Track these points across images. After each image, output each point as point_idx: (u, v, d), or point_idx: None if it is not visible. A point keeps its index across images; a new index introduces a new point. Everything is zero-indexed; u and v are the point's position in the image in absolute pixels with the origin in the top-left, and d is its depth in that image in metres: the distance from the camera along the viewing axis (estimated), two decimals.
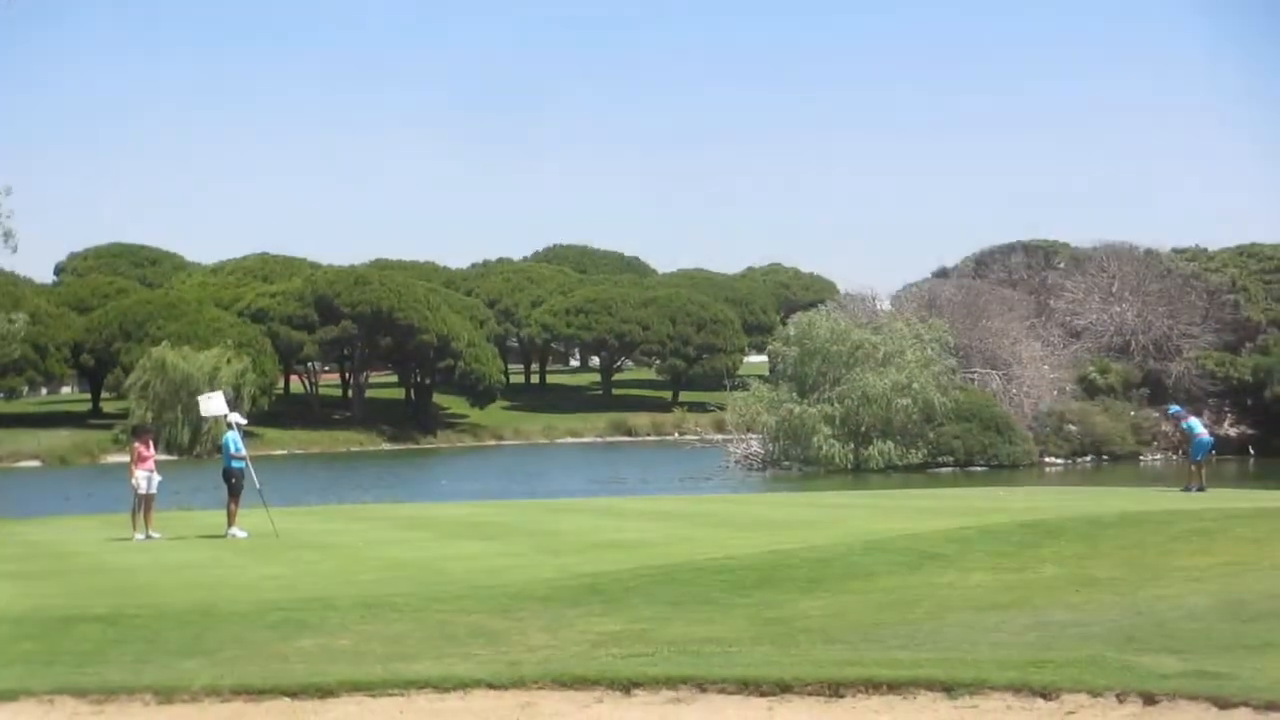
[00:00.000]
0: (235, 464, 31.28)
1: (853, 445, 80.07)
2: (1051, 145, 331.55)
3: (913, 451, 79.94)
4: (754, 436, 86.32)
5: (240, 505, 31.19)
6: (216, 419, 33.17)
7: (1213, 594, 17.90)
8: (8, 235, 48.24)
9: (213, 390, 34.70)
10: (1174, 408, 46.90)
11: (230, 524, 30.52)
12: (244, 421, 33.91)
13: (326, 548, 27.20)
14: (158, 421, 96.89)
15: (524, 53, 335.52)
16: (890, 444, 79.70)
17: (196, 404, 36.53)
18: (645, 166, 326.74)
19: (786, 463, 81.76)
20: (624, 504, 40.17)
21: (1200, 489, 38.01)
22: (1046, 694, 11.73)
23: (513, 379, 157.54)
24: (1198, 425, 41.51)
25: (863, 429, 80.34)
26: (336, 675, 13.70)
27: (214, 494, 41.42)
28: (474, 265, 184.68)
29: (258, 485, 31.49)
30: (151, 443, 32.35)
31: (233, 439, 31.61)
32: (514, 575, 21.19)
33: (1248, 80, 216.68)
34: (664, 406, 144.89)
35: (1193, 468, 39.96)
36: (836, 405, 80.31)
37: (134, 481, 30.85)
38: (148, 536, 30.12)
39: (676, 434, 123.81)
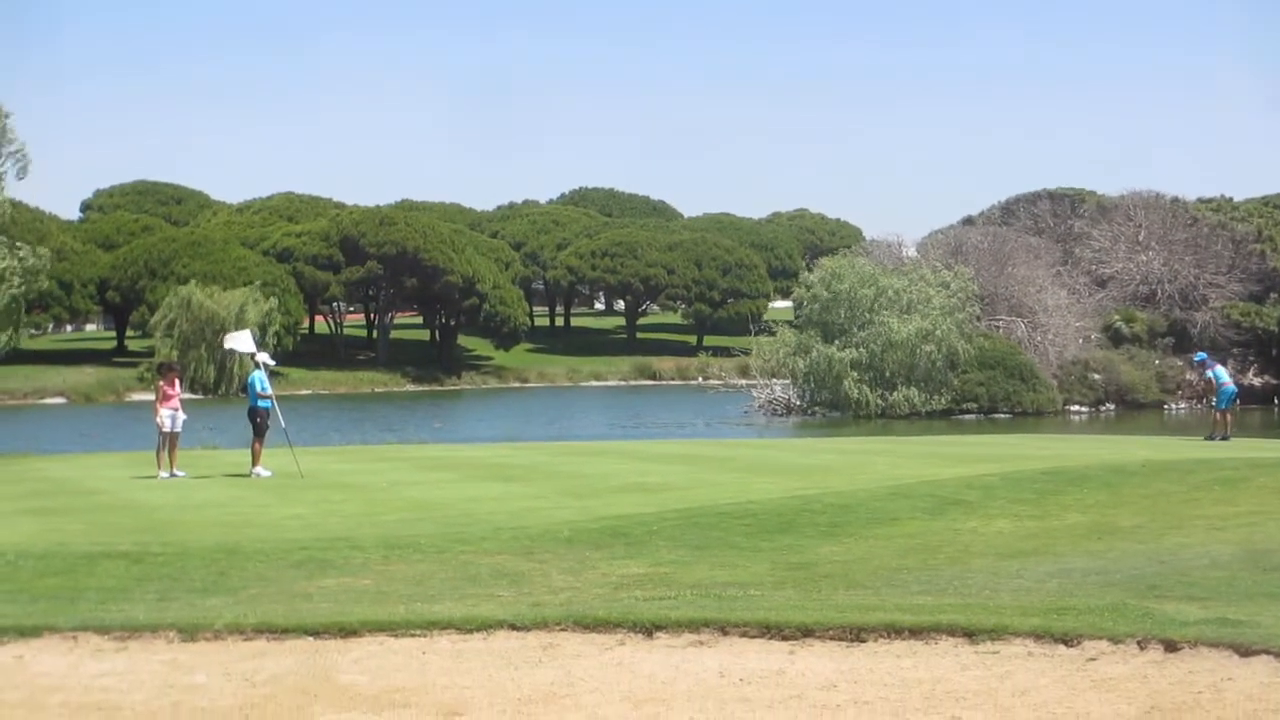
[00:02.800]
0: (261, 403, 31.31)
1: (880, 391, 79.96)
2: (1078, 94, 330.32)
3: (936, 398, 79.85)
4: (778, 382, 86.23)
5: (265, 445, 31.26)
6: (240, 356, 33.12)
7: (1235, 543, 17.89)
8: (22, 170, 48.12)
9: (239, 329, 34.56)
10: (1200, 355, 46.66)
11: (255, 463, 30.60)
12: (273, 363, 33.84)
13: (350, 488, 27.24)
14: (183, 360, 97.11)
15: None
16: (914, 390, 79.59)
17: (222, 340, 36.43)
18: (672, 110, 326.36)
19: (815, 408, 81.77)
20: (647, 447, 40.19)
21: (1225, 438, 37.94)
22: (1068, 640, 11.72)
23: (537, 321, 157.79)
24: (1223, 373, 41.41)
25: (887, 375, 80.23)
26: (359, 615, 13.74)
27: (239, 433, 41.56)
28: (500, 207, 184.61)
29: (283, 425, 31.55)
30: (177, 381, 32.38)
31: (259, 378, 31.63)
32: (537, 517, 21.22)
33: (1275, 29, 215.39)
34: (688, 351, 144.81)
35: (1217, 416, 39.89)
36: (861, 350, 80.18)
37: (159, 419, 30.94)
38: (172, 474, 30.20)
39: (700, 378, 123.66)
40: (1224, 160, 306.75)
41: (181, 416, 31.31)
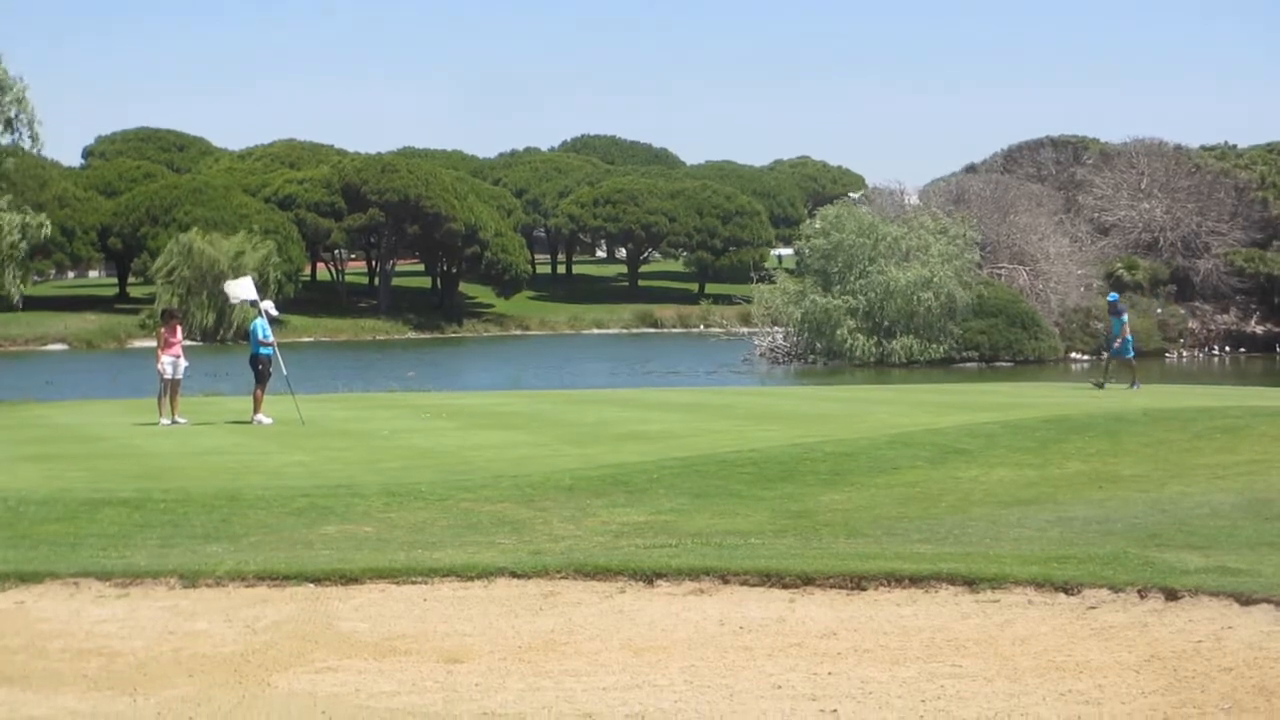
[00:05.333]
0: (263, 350, 31.31)
1: (876, 339, 79.90)
2: (1082, 41, 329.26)
3: (934, 346, 79.78)
4: (779, 330, 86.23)
5: (266, 392, 31.27)
6: (242, 303, 32.91)
7: (1237, 491, 17.90)
8: (35, 137, 48.35)
9: (236, 276, 34.21)
10: (1113, 295, 45.00)
11: (256, 410, 30.62)
12: (276, 312, 33.56)
13: (351, 435, 27.28)
14: (184, 306, 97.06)
15: None
16: (912, 339, 79.53)
17: (223, 289, 36.19)
18: (674, 57, 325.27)
19: (812, 356, 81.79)
20: (648, 395, 40.19)
21: (1101, 386, 37.33)
22: (1068, 589, 11.75)
23: (539, 269, 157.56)
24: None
25: (885, 323, 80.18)
26: (361, 562, 13.78)
27: (240, 380, 41.54)
28: (501, 155, 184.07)
29: (284, 372, 31.54)
30: (179, 328, 32.38)
31: (260, 325, 31.60)
32: (538, 465, 21.22)
33: None
34: (690, 298, 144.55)
35: (1115, 363, 39.20)
36: (859, 298, 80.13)
37: (160, 366, 30.96)
38: (174, 422, 30.23)
39: (702, 326, 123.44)
40: (1228, 107, 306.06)
41: (183, 364, 31.33)
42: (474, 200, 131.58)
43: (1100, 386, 37.12)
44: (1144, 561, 12.42)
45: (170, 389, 30.92)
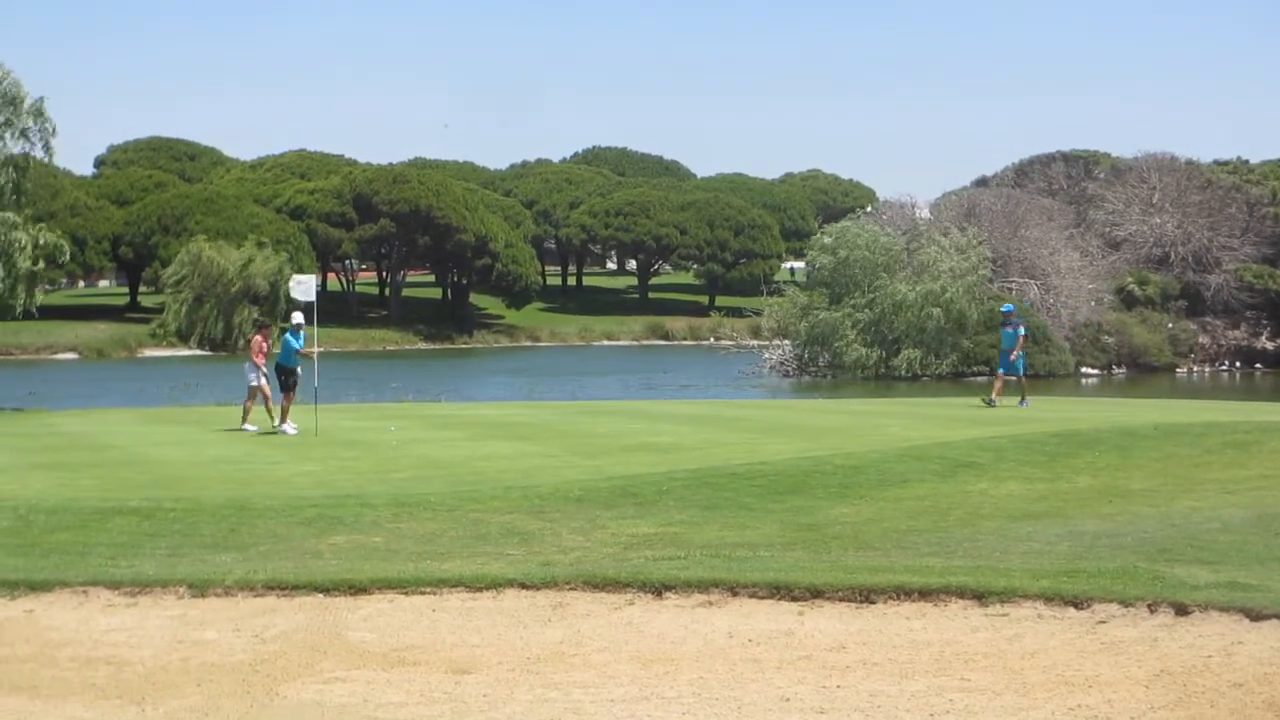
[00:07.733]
0: (291, 361, 31.30)
1: (880, 352, 79.88)
2: (1094, 55, 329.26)
3: (939, 361, 79.66)
4: (789, 342, 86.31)
5: (291, 402, 31.22)
6: (304, 303, 32.81)
7: (1247, 506, 17.87)
8: (49, 148, 48.68)
9: (302, 276, 33.88)
10: (1008, 306, 43.24)
11: (281, 420, 30.56)
12: (301, 339, 32.85)
13: (361, 445, 27.28)
14: (192, 316, 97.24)
15: None
16: (918, 352, 79.42)
17: (287, 286, 36.04)
18: (685, 70, 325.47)
19: (815, 368, 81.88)
20: (658, 407, 40.14)
21: (993, 403, 35.92)
22: (1078, 603, 11.73)
23: (550, 280, 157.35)
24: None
25: (892, 338, 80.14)
26: (369, 572, 13.78)
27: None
28: (513, 166, 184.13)
29: (315, 384, 31.45)
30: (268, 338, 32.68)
31: (291, 338, 31.65)
32: (547, 476, 21.22)
33: None
34: (700, 311, 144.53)
35: (1009, 379, 37.47)
36: (866, 313, 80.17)
37: (262, 371, 31.18)
38: (283, 425, 30.62)
39: (712, 339, 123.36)
40: (1240, 122, 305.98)
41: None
42: (484, 211, 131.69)
43: (990, 404, 35.95)
44: (1154, 576, 12.39)
45: (263, 396, 31.13)
